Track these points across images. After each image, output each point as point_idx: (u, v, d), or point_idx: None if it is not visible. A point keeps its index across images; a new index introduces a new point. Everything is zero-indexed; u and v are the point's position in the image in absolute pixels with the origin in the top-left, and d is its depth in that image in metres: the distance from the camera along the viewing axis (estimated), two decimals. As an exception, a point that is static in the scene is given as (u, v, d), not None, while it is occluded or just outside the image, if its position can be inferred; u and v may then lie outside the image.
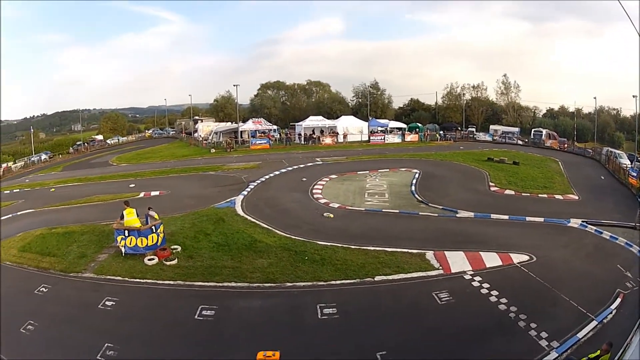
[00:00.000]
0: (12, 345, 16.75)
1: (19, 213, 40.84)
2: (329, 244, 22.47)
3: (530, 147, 62.75)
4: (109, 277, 21.91)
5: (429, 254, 19.52)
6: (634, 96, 62.06)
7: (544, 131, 68.57)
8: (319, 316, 15.57)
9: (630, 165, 41.76)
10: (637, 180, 34.87)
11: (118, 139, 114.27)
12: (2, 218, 39.23)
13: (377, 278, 17.80)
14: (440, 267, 18.54)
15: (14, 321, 18.25)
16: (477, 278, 17.97)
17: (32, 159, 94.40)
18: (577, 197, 32.44)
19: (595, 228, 24.57)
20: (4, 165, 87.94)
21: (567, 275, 18.86)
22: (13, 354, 15.93)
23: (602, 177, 35.89)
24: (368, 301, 16.24)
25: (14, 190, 56.76)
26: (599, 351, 11.86)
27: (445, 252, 19.75)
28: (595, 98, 76.97)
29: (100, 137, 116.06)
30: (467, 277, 17.94)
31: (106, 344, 15.43)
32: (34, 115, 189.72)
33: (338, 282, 18.17)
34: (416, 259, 19.23)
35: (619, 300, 16.50)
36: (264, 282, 19.02)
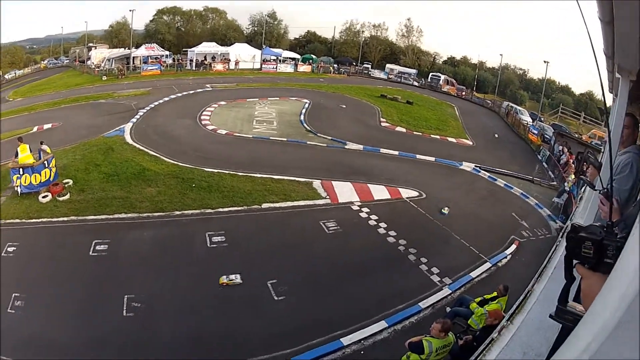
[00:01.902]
0: None
1: None
2: (216, 170, 22.97)
3: (426, 89, 63.16)
4: (7, 221, 21.22)
5: (316, 183, 20.13)
6: (545, 61, 62.76)
7: (442, 76, 69.20)
8: (208, 244, 16.03)
9: (532, 123, 43.43)
10: (538, 138, 36.63)
11: (15, 73, 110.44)
12: None
13: (264, 205, 18.44)
14: (328, 197, 19.20)
15: None
16: (365, 209, 18.77)
17: None
18: (471, 143, 33.48)
19: (489, 175, 25.70)
20: None
21: (458, 216, 19.81)
22: None
23: (496, 135, 36.81)
24: (256, 229, 16.82)
25: None
26: (495, 292, 12.45)
27: (332, 182, 20.41)
28: (501, 55, 76.95)
29: None
30: (355, 207, 18.70)
31: (14, 294, 15.48)
32: None
33: (226, 209, 18.67)
34: (303, 187, 19.85)
35: (513, 246, 17.61)
36: (154, 212, 19.40)
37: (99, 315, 13.80)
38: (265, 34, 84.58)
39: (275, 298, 13.75)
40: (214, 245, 15.67)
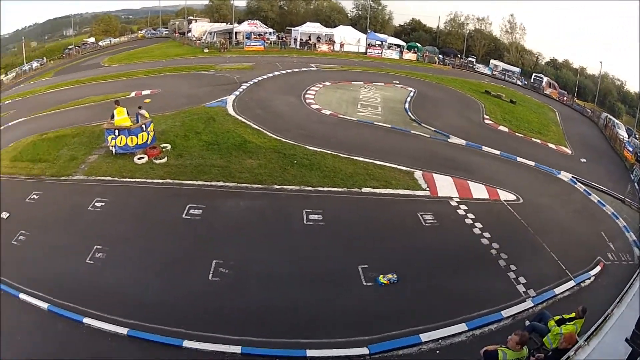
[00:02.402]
0: (7, 262, 17.22)
1: (10, 124, 41.06)
2: (318, 149, 22.84)
3: (529, 90, 61.16)
4: (99, 177, 22.53)
5: (418, 174, 19.63)
6: (643, 75, 59.96)
7: (545, 78, 67.10)
8: (305, 221, 16.08)
9: (627, 139, 40.37)
10: (632, 156, 34.16)
11: (110, 41, 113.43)
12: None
13: (364, 189, 18.14)
14: (428, 189, 18.65)
15: (7, 235, 18.91)
16: (463, 207, 18.16)
17: (24, 68, 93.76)
18: (570, 152, 31.90)
19: (584, 188, 24.37)
20: None
21: (552, 226, 18.95)
22: (9, 272, 16.42)
23: (584, 160, 34.94)
24: (354, 212, 16.60)
25: (6, 102, 56.94)
26: (573, 314, 11.94)
27: (433, 174, 19.80)
28: (601, 62, 74.06)
29: (92, 39, 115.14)
30: (453, 203, 18.11)
31: (95, 246, 16.22)
32: (25, 26, 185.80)
33: (325, 188, 18.60)
34: (404, 176, 19.37)
35: (598, 268, 16.58)
36: (252, 183, 19.62)
37: (183, 276, 14.42)
38: (370, 18, 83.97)
39: (364, 283, 13.62)
40: (310, 223, 15.65)
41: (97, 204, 19.83)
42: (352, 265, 13.56)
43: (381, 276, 14.03)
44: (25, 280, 15.70)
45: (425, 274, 14.02)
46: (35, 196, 22.38)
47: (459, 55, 74.73)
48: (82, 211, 19.64)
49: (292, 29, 71.99)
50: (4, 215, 23.65)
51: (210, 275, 13.98)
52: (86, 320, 13.22)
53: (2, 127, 39.67)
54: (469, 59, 73.80)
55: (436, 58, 67.49)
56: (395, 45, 69.12)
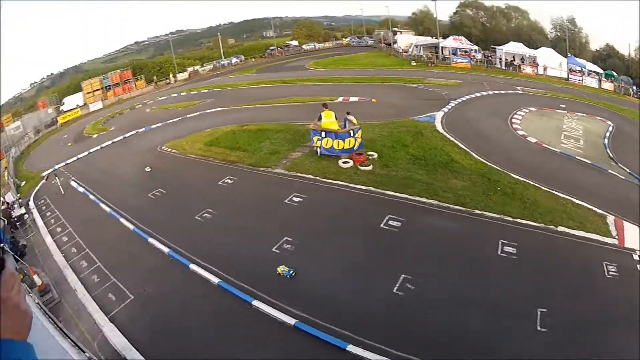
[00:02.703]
0: (182, 231, 19.71)
1: (207, 111, 44.84)
2: (521, 178, 22.05)
3: None
4: (300, 174, 24.45)
5: (610, 219, 18.69)
6: None
7: None
8: (499, 252, 15.65)
9: None
10: None
11: (314, 45, 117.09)
12: (188, 116, 44.58)
13: (560, 228, 17.55)
14: (616, 237, 17.62)
15: (192, 211, 21.10)
16: None
17: (222, 62, 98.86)
18: None
19: None
20: (190, 68, 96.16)
21: None
22: (182, 241, 18.98)
23: None
24: (546, 250, 16.05)
25: (202, 91, 61.51)
26: None
27: (624, 221, 18.66)
28: None
29: (295, 42, 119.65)
30: (635, 257, 16.66)
31: (285, 237, 17.68)
32: (220, 24, 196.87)
33: (524, 221, 17.90)
34: (598, 219, 18.57)
35: None
36: (454, 204, 19.37)
37: (367, 282, 14.69)
38: (568, 41, 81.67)
39: (538, 328, 12.65)
40: (504, 255, 15.42)
41: (294, 198, 21.36)
42: (531, 305, 13.20)
43: (281, 267, 15.29)
44: (200, 254, 17.64)
45: (599, 331, 12.74)
46: (229, 180, 24.71)
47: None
48: (277, 202, 21.31)
49: (497, 47, 70.38)
50: (147, 168, 25.85)
51: (395, 288, 14.10)
52: (255, 302, 14.29)
53: (198, 113, 44.17)
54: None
55: (630, 90, 62.80)
56: (594, 72, 66.05)
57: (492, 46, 75.33)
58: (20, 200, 29.99)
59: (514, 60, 66.62)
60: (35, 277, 17.77)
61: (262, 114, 40.76)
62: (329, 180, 23.04)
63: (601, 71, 67.71)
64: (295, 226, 18.65)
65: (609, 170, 26.00)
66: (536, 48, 72.12)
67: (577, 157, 27.51)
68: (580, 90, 55.98)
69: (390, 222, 17.99)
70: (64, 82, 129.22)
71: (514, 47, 68.96)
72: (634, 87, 63.62)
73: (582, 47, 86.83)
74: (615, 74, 68.95)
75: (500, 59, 67.81)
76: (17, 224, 26.17)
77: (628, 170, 26.78)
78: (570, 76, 63.11)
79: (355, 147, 25.12)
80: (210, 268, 16.45)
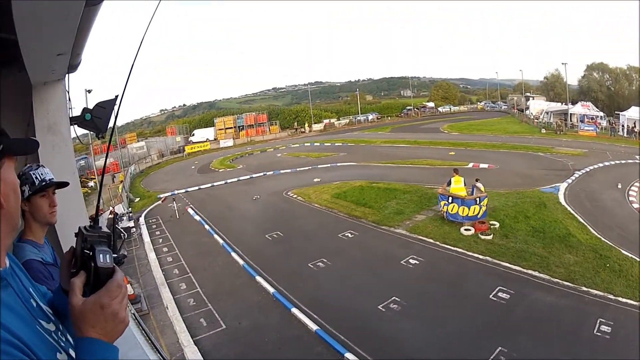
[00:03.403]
0: (292, 275, 20.71)
1: (338, 164, 46.43)
2: (630, 255, 21.00)
3: None
4: (421, 237, 24.70)
5: None
6: None
7: None
8: (594, 331, 15.11)
9: None
10: None
11: (450, 108, 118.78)
12: (319, 166, 46.33)
13: None
14: None
15: (306, 257, 22.28)
16: None
17: (358, 117, 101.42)
18: None
19: None
20: (325, 120, 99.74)
21: None
22: (290, 284, 19.85)
23: None
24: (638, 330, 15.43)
25: (336, 144, 63.59)
26: None
27: None
28: None
29: (431, 104, 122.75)
30: None
31: (394, 297, 17.97)
32: (359, 79, 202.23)
33: (624, 300, 17.13)
34: None
35: None
36: (564, 280, 18.78)
37: (463, 350, 14.66)
38: (692, 96, 78.15)
39: None
40: (598, 334, 15.11)
41: (411, 260, 21.77)
42: None
43: None
44: (304, 299, 18.37)
45: None
46: (349, 234, 25.54)
47: None
48: (394, 262, 21.73)
49: (620, 113, 68.29)
50: (255, 197, 26.71)
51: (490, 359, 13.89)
52: (348, 355, 14.51)
53: (329, 165, 45.65)
54: None
55: None
56: None
57: (616, 112, 73.70)
58: (130, 214, 32.53)
59: (635, 126, 64.37)
60: (128, 287, 19.39)
61: (392, 172, 41.80)
62: (448, 246, 23.08)
63: None
64: (406, 287, 19.03)
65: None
66: (658, 112, 69.50)
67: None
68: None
69: (500, 294, 17.96)
70: (196, 115, 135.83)
71: (636, 112, 66.43)
72: None
73: None
74: None
75: (623, 125, 65.90)
76: (122, 235, 28.25)
77: None
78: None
79: (479, 215, 25.22)
80: (311, 314, 17.04)
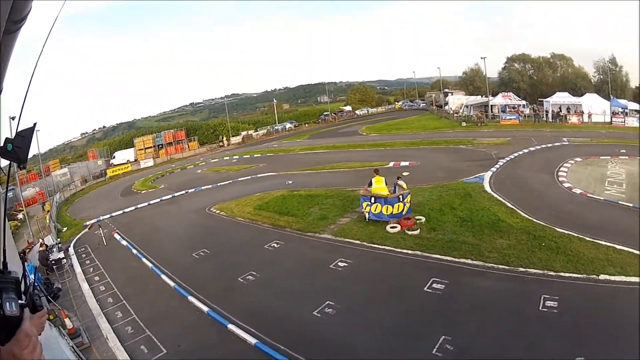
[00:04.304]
0: (224, 291, 20.32)
1: (258, 175, 46.43)
2: (566, 232, 21.95)
3: None
4: (347, 239, 24.78)
5: None
6: None
7: None
8: (540, 308, 15.48)
9: None
10: None
11: (367, 110, 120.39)
12: (239, 179, 45.99)
13: (601, 277, 17.45)
14: None
15: (235, 272, 21.71)
16: None
17: (276, 127, 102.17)
18: None
19: None
20: (243, 132, 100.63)
21: None
22: (222, 300, 19.48)
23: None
24: (587, 301, 15.96)
25: (255, 155, 64.06)
26: None
27: None
28: None
29: (348, 108, 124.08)
30: None
31: (327, 301, 17.82)
32: (275, 89, 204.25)
33: (566, 274, 17.80)
34: (637, 261, 18.35)
35: None
36: (499, 264, 19.32)
37: (406, 344, 14.69)
38: (610, 82, 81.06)
39: None
40: (545, 310, 15.30)
41: (340, 263, 21.67)
42: (571, 356, 12.81)
43: None
44: (239, 314, 18.03)
45: None
46: (275, 245, 25.27)
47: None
48: (323, 267, 21.66)
49: (544, 100, 70.95)
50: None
51: (435, 350, 13.95)
52: None
53: (250, 177, 45.70)
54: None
55: None
56: (635, 111, 65.02)
57: (539, 99, 75.50)
58: (59, 245, 31.11)
59: (560, 111, 67.27)
60: (67, 320, 18.68)
61: (313, 179, 41.95)
62: (376, 245, 23.23)
63: (640, 108, 66.73)
64: (338, 290, 18.94)
65: (650, 209, 25.52)
66: (581, 95, 72.33)
67: (620, 202, 27.38)
68: (624, 132, 56.23)
69: (434, 285, 18.11)
70: (116, 136, 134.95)
71: (560, 98, 69.52)
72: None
73: (623, 87, 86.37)
74: None
75: (547, 111, 68.57)
76: (54, 267, 27.30)
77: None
78: (613, 119, 63.39)
79: (404, 212, 25.56)
80: (248, 329, 16.77)
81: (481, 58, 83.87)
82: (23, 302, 2.07)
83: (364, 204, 26.48)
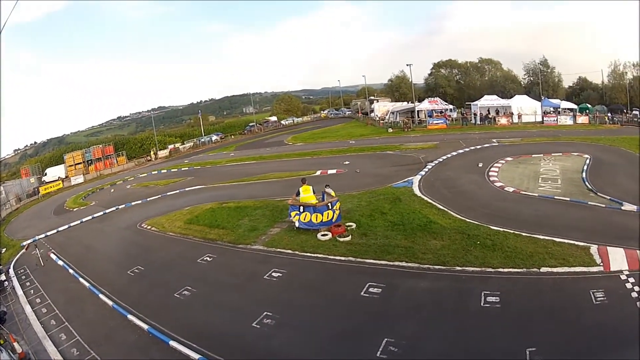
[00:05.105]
0: (161, 308, 19.69)
1: (187, 189, 46.06)
2: (501, 229, 22.24)
3: None
4: (279, 249, 24.35)
5: (594, 249, 18.88)
6: None
7: None
8: (482, 304, 15.59)
9: None
10: None
11: (293, 120, 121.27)
12: (168, 193, 45.32)
13: (542, 269, 17.65)
14: (601, 264, 17.86)
15: (171, 288, 21.16)
16: (631, 279, 16.72)
17: (202, 139, 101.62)
18: None
19: None
20: (170, 145, 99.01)
21: None
22: (161, 317, 18.76)
23: None
24: (530, 293, 16.12)
25: (182, 169, 63.99)
26: None
27: (607, 247, 18.90)
28: None
29: (274, 118, 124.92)
30: (623, 277, 16.95)
31: (265, 312, 17.36)
32: (201, 100, 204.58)
33: (505, 270, 17.98)
34: (581, 252, 18.72)
35: None
36: (435, 264, 19.32)
37: (350, 350, 14.36)
38: (541, 83, 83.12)
39: None
40: (487, 305, 15.43)
41: (274, 274, 21.28)
42: (521, 348, 12.93)
43: None
44: (180, 330, 17.39)
45: (596, 355, 12.66)
46: (208, 258, 24.97)
47: (625, 110, 71.54)
48: (257, 278, 21.22)
49: (472, 104, 72.82)
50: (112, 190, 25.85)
51: (379, 352, 13.79)
52: None
53: (178, 191, 45.69)
54: (634, 112, 69.81)
55: (606, 117, 65.38)
56: (568, 109, 67.97)
57: (466, 103, 76.90)
58: (0, 267, 30.22)
59: (489, 113, 69.07)
60: (16, 345, 18.15)
61: (241, 191, 41.70)
62: (308, 254, 23.08)
63: (575, 107, 70.05)
64: (274, 301, 18.70)
65: (589, 202, 26.45)
66: (511, 97, 74.64)
67: (555, 197, 27.96)
68: (556, 130, 58.27)
69: (371, 289, 18.02)
70: (47, 152, 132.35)
71: (488, 101, 71.65)
72: (609, 114, 66.37)
73: (555, 87, 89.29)
74: (589, 105, 71.87)
75: (476, 114, 70.16)
76: None
77: (608, 198, 27.38)
78: (545, 119, 65.48)
79: (334, 220, 25.43)
80: (189, 344, 16.25)
81: (407, 65, 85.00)
82: None
83: (293, 213, 26.32)
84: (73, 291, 24.70)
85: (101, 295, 22.79)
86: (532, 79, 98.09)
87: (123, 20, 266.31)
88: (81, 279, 25.80)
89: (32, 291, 25.84)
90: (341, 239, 23.67)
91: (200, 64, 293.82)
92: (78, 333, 19.26)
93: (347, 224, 25.47)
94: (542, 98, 72.45)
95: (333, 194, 26.55)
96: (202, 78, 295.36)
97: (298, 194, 26.49)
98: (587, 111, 68.69)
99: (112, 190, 48.99)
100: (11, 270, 30.56)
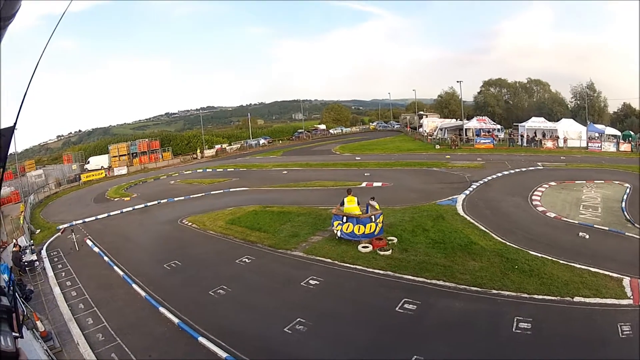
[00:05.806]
0: (194, 304, 20.00)
1: (231, 189, 46.61)
2: (539, 255, 21.97)
3: None
4: (318, 257, 24.45)
5: (626, 281, 18.78)
6: None
7: None
8: (513, 329, 15.41)
9: None
10: None
11: (341, 130, 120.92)
12: (212, 192, 46.13)
13: (576, 299, 17.49)
14: (631, 297, 17.67)
15: (206, 285, 21.49)
16: None
17: (250, 142, 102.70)
18: None
19: None
20: (217, 145, 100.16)
21: None
22: (193, 313, 19.11)
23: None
24: (562, 322, 15.96)
25: (228, 169, 64.43)
26: None
27: (639, 280, 18.74)
28: None
29: (323, 126, 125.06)
30: None
31: (298, 319, 17.46)
32: (250, 103, 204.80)
33: (540, 296, 17.78)
34: (614, 284, 18.58)
35: None
36: (471, 285, 19.19)
37: None
38: (588, 108, 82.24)
39: None
40: (518, 331, 15.32)
41: (311, 281, 21.38)
42: None
43: None
44: (210, 327, 17.73)
45: None
46: (246, 260, 25.17)
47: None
48: (294, 284, 21.43)
49: (519, 125, 71.99)
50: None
51: None
52: None
53: (221, 191, 46.40)
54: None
55: None
56: (612, 136, 66.84)
57: (514, 124, 76.33)
58: (32, 247, 30.89)
59: (535, 135, 68.43)
60: (39, 323, 18.50)
61: (286, 196, 41.91)
62: (347, 265, 23.07)
63: (619, 133, 68.91)
64: (309, 308, 18.79)
65: (626, 233, 26.12)
66: (557, 120, 73.77)
67: (595, 225, 27.63)
68: (599, 157, 57.49)
69: (406, 305, 17.94)
70: (91, 141, 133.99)
71: (535, 123, 70.67)
72: (649, 143, 62.68)
73: (601, 112, 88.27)
74: (632, 133, 70.70)
75: (522, 136, 69.54)
76: (27, 268, 27.05)
77: (645, 229, 26.77)
78: (589, 144, 64.64)
79: (376, 232, 25.31)
80: (219, 342, 16.52)
81: (457, 82, 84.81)
82: (18, 335, 1.93)
83: (335, 223, 26.26)
84: (106, 278, 25.34)
85: (134, 285, 23.40)
86: (578, 102, 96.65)
87: (166, 17, 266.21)
88: (115, 267, 26.49)
89: (63, 274, 26.54)
90: (381, 253, 23.70)
91: (250, 66, 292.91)
92: (106, 319, 19.77)
93: (389, 238, 25.52)
94: (588, 123, 71.40)
95: (377, 206, 26.51)
96: (253, 81, 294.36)
97: (342, 203, 26.51)
98: (630, 138, 67.82)
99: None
100: (43, 251, 31.41)
